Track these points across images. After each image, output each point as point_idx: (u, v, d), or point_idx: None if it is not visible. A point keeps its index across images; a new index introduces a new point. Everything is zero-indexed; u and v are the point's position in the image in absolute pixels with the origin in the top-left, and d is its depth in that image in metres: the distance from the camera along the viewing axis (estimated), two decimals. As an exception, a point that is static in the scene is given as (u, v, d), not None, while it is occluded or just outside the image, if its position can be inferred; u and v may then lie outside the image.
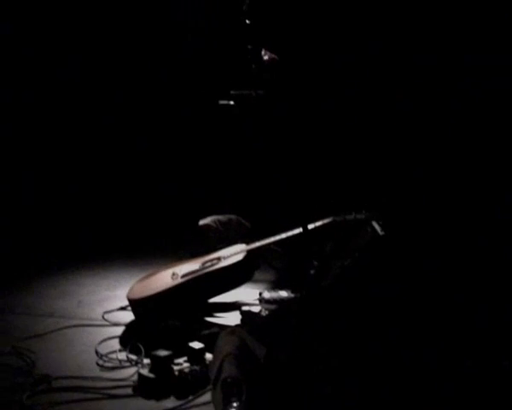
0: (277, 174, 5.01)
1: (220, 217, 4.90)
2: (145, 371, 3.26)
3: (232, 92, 4.80)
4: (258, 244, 4.04)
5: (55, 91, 6.11)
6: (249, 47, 4.52)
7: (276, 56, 4.66)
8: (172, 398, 3.13)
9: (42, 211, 5.80)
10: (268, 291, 4.18)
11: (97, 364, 3.47)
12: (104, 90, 6.17)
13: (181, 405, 3.08)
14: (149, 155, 6.20)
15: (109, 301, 4.26)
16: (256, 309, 3.97)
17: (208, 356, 3.37)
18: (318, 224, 3.98)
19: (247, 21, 4.52)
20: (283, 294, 4.12)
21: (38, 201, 5.87)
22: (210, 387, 3.07)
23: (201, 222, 4.87)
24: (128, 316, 4.02)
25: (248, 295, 4.27)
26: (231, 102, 4.76)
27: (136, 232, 5.73)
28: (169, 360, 3.28)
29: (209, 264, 3.98)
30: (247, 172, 5.24)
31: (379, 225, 3.80)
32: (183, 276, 3.94)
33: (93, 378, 3.28)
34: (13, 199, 5.76)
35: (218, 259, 4.01)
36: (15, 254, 5.19)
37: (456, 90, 4.79)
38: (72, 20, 6.11)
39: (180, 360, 3.40)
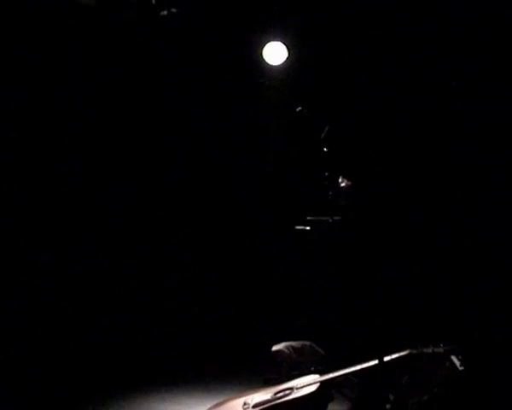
0: (353, 300, 4.96)
1: (294, 343, 4.83)
2: None
3: (309, 218, 4.84)
4: (332, 375, 3.93)
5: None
6: (326, 174, 4.58)
7: (352, 183, 4.69)
8: None
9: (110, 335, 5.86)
10: (342, 424, 4.05)
11: None
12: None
13: None
14: (222, 277, 6.24)
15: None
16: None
17: None
18: (395, 356, 3.86)
19: (325, 149, 4.60)
20: (358, 427, 3.98)
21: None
22: None
23: (274, 348, 4.81)
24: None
25: (321, 427, 4.13)
26: (307, 228, 4.79)
27: (206, 356, 5.70)
28: None
29: (281, 394, 3.90)
30: (323, 297, 5.19)
31: (458, 359, 3.67)
32: (255, 406, 3.86)
33: None
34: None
35: (291, 389, 3.92)
36: (82, 380, 5.24)
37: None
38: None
39: None
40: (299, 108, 4.76)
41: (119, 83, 6.07)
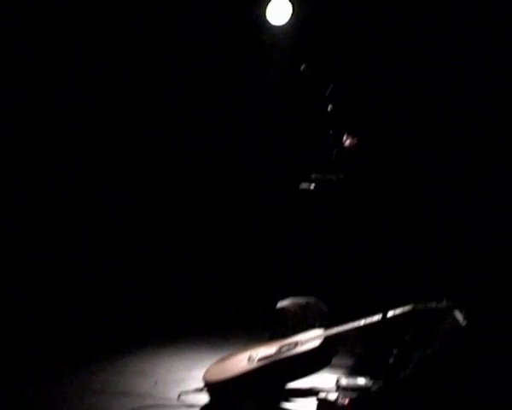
0: (358, 256, 4.99)
1: (298, 299, 4.89)
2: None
3: (313, 176, 4.84)
4: (336, 330, 3.98)
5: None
6: (331, 132, 4.58)
7: (356, 141, 4.69)
8: None
9: (116, 289, 5.90)
10: (345, 377, 4.08)
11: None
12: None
13: None
14: (229, 237, 6.26)
15: (186, 382, 4.23)
16: (333, 396, 3.89)
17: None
18: (398, 311, 3.90)
19: (329, 107, 4.60)
20: (361, 381, 4.01)
21: (111, 280, 5.98)
22: None
23: (279, 304, 4.87)
24: (204, 398, 3.99)
25: (325, 380, 4.18)
26: (312, 186, 4.80)
27: (213, 312, 5.76)
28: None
29: (286, 349, 3.95)
30: (327, 254, 5.22)
31: (461, 314, 3.71)
32: (260, 360, 3.91)
33: None
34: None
35: (296, 344, 3.97)
36: (91, 331, 5.29)
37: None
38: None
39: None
40: (303, 66, 4.74)
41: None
